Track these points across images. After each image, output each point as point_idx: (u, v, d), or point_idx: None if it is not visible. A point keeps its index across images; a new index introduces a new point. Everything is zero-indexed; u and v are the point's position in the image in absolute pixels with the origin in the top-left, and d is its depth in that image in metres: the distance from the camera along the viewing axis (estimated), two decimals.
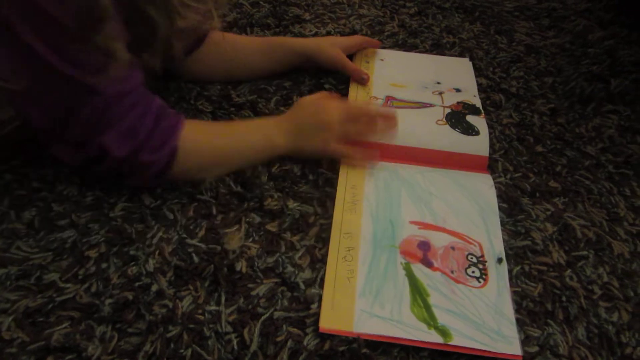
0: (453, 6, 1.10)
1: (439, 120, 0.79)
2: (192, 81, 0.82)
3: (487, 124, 0.80)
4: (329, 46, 0.85)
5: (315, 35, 0.96)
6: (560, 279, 0.62)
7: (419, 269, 0.61)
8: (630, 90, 0.91)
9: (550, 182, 0.74)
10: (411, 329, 0.55)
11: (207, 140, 0.67)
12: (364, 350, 0.53)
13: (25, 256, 0.58)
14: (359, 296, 0.57)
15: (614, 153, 0.80)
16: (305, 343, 0.54)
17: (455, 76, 0.90)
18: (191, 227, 0.63)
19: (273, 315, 0.56)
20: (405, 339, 0.54)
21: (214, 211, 0.65)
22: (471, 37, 1.01)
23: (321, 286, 0.59)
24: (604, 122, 0.85)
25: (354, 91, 0.84)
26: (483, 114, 0.81)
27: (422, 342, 0.54)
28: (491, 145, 0.78)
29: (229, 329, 0.54)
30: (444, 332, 0.55)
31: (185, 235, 0.62)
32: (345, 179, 0.69)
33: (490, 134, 0.79)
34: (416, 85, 0.87)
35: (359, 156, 0.72)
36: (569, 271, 0.63)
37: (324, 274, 0.60)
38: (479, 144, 0.76)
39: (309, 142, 0.71)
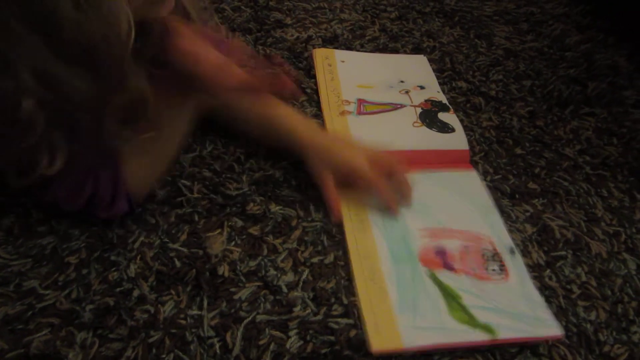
0: (433, 11, 1.11)
1: (414, 122, 0.81)
2: None
3: (467, 126, 0.82)
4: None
5: (297, 39, 0.97)
6: (540, 278, 0.63)
7: (444, 275, 0.61)
8: (606, 93, 0.93)
9: (529, 184, 0.75)
10: (458, 333, 0.56)
11: (151, 162, 0.63)
12: (347, 352, 0.53)
13: (4, 263, 0.58)
14: (399, 313, 0.57)
15: (591, 155, 0.81)
16: (288, 346, 0.54)
17: (416, 73, 0.93)
18: (173, 232, 0.63)
19: (255, 318, 0.56)
20: (455, 343, 0.55)
21: (196, 216, 0.65)
22: (451, 41, 1.03)
23: (304, 289, 0.59)
24: (582, 125, 0.87)
25: (325, 96, 0.85)
26: (452, 110, 0.85)
27: (471, 342, 0.55)
28: (471, 148, 0.79)
29: (211, 333, 0.54)
30: (487, 329, 0.56)
31: (167, 240, 0.62)
32: (346, 203, 0.68)
33: (470, 136, 0.81)
34: (382, 85, 0.89)
35: (387, 194, 0.67)
36: (548, 271, 0.64)
37: (306, 277, 0.60)
38: (458, 140, 0.79)
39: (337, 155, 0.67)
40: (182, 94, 0.59)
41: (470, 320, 0.57)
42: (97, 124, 0.50)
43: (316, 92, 0.86)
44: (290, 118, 0.71)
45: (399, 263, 0.62)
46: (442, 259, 0.63)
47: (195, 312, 0.56)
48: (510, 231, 0.68)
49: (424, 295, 0.59)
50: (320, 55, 0.93)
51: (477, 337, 0.56)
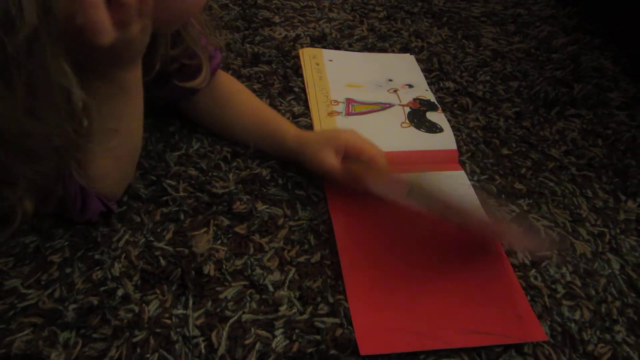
0: (421, 11, 1.12)
1: (402, 122, 0.81)
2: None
3: (454, 126, 0.83)
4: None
5: (285, 37, 0.96)
6: (525, 278, 0.63)
7: None
8: (592, 94, 0.94)
9: (515, 184, 0.75)
10: None
11: (115, 160, 0.59)
12: (332, 352, 0.53)
13: None
14: None
15: (576, 155, 0.82)
16: (273, 345, 0.53)
17: (404, 72, 0.94)
18: (158, 230, 0.62)
19: (241, 318, 0.55)
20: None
21: (182, 214, 0.64)
22: (439, 41, 1.03)
23: (290, 288, 0.59)
24: (567, 126, 0.87)
25: (313, 96, 0.85)
26: (440, 109, 0.85)
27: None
28: (458, 148, 0.79)
29: (197, 332, 0.54)
30: None
31: (152, 239, 0.61)
32: None
33: (457, 136, 0.81)
34: (371, 85, 0.90)
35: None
36: (533, 271, 0.65)
37: (292, 276, 0.60)
38: (446, 140, 0.79)
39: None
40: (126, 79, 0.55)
41: None
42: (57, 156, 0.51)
43: (304, 90, 0.86)
44: (280, 119, 0.74)
45: None
46: None
47: (180, 311, 0.55)
48: None
49: None
50: (308, 55, 0.93)
51: None
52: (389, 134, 0.79)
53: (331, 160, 0.67)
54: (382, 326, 0.56)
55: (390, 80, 0.91)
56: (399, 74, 0.93)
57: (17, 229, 0.51)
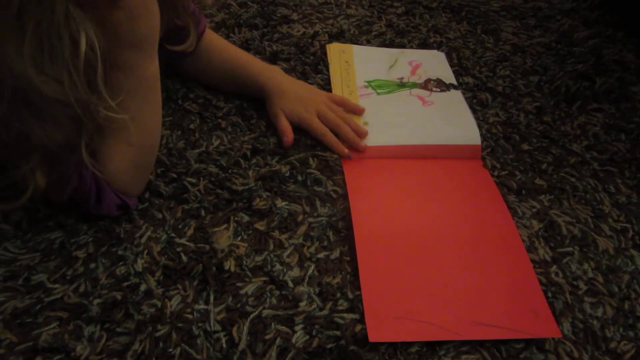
0: (440, 6, 1.11)
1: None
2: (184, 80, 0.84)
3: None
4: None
5: (304, 34, 0.97)
6: (546, 275, 0.63)
7: None
8: (614, 88, 0.92)
9: (536, 180, 0.75)
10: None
11: (129, 153, 0.60)
12: (352, 347, 0.54)
13: (13, 257, 0.58)
14: None
15: (598, 150, 0.81)
16: (293, 341, 0.54)
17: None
18: (180, 227, 0.63)
19: (262, 313, 0.56)
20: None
21: (202, 211, 0.65)
22: (458, 36, 1.02)
23: (310, 284, 0.59)
24: (589, 120, 0.86)
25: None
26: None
27: None
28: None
29: (218, 327, 0.54)
30: None
31: (173, 235, 0.62)
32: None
33: None
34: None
35: (332, 141, 0.76)
36: (554, 267, 0.64)
37: (312, 272, 0.60)
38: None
39: (292, 103, 0.77)
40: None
41: None
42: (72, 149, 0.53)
43: (322, 87, 0.86)
44: (254, 64, 0.82)
45: None
46: None
47: (201, 306, 0.56)
48: (516, 227, 0.68)
49: None
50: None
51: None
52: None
53: (277, 117, 0.77)
54: (392, 315, 0.57)
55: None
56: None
57: (29, 200, 0.53)
